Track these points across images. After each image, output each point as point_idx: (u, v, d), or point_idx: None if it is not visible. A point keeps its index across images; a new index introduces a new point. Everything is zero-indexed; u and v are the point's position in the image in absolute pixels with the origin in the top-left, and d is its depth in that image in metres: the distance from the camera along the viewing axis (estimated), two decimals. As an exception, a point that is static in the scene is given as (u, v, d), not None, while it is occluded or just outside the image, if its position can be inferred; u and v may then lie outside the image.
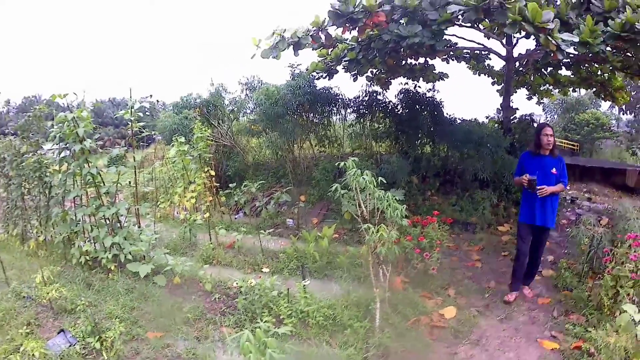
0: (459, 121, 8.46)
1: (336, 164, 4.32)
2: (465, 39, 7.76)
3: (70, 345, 4.02)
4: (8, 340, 4.28)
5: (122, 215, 5.45)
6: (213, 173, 7.55)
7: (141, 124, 5.82)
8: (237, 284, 4.56)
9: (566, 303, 4.38)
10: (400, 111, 8.60)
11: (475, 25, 6.55)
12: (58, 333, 4.30)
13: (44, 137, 7.80)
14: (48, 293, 4.96)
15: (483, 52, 8.94)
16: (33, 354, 3.71)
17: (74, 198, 5.71)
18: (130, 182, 6.81)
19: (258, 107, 9.23)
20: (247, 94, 10.47)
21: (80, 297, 4.98)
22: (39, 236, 6.99)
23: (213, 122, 10.10)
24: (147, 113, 6.07)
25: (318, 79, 8.66)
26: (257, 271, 5.59)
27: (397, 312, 4.06)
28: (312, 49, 6.59)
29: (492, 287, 4.82)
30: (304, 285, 4.22)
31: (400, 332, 3.77)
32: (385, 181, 3.92)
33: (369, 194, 3.76)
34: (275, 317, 4.02)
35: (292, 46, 5.79)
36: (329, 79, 8.44)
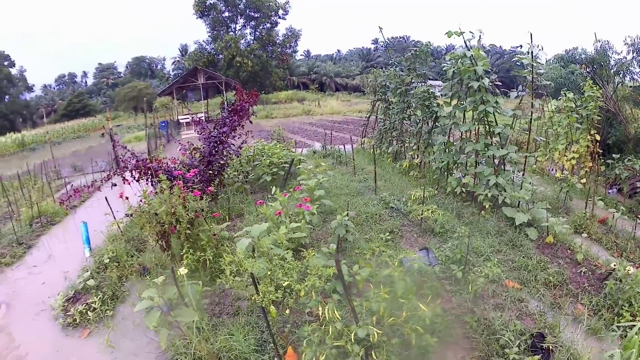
0: None
1: None
2: None
3: (429, 265, 4.39)
4: (365, 240, 5.09)
5: (510, 159, 5.38)
6: (598, 137, 7.06)
7: (541, 71, 5.47)
8: (614, 264, 4.18)
9: None
10: None
11: None
12: (420, 250, 4.79)
13: (428, 71, 8.62)
14: (423, 212, 5.60)
15: None
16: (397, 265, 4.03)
17: (462, 132, 6.04)
18: (513, 128, 6.94)
19: None
20: (633, 56, 9.39)
21: (452, 225, 5.43)
22: (413, 159, 8.03)
23: (598, 83, 9.16)
24: (539, 61, 5.80)
25: None
26: (625, 258, 5.05)
27: None
28: None
29: None
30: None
31: None
32: None
33: None
34: (631, 314, 3.76)
35: None
36: None
